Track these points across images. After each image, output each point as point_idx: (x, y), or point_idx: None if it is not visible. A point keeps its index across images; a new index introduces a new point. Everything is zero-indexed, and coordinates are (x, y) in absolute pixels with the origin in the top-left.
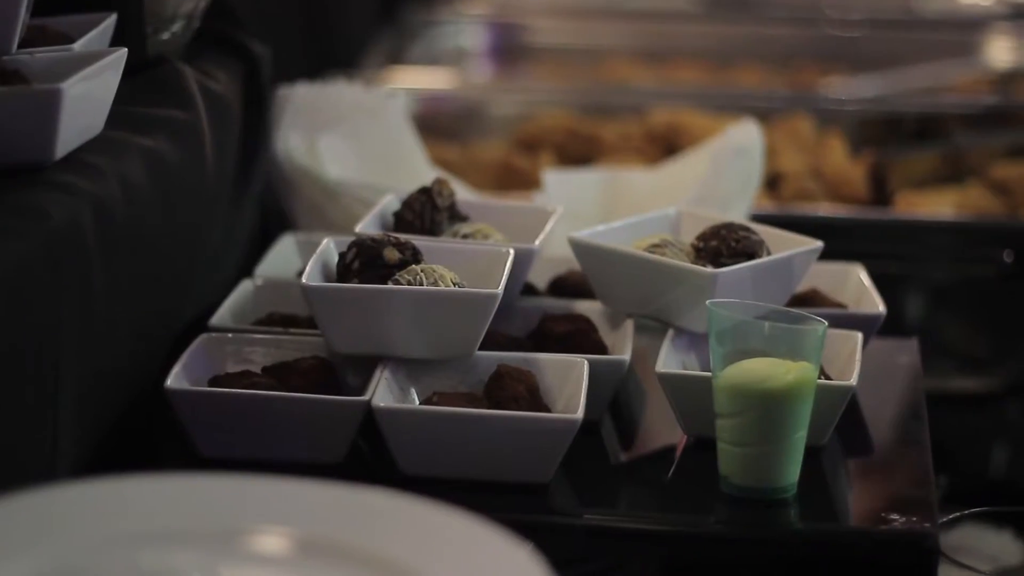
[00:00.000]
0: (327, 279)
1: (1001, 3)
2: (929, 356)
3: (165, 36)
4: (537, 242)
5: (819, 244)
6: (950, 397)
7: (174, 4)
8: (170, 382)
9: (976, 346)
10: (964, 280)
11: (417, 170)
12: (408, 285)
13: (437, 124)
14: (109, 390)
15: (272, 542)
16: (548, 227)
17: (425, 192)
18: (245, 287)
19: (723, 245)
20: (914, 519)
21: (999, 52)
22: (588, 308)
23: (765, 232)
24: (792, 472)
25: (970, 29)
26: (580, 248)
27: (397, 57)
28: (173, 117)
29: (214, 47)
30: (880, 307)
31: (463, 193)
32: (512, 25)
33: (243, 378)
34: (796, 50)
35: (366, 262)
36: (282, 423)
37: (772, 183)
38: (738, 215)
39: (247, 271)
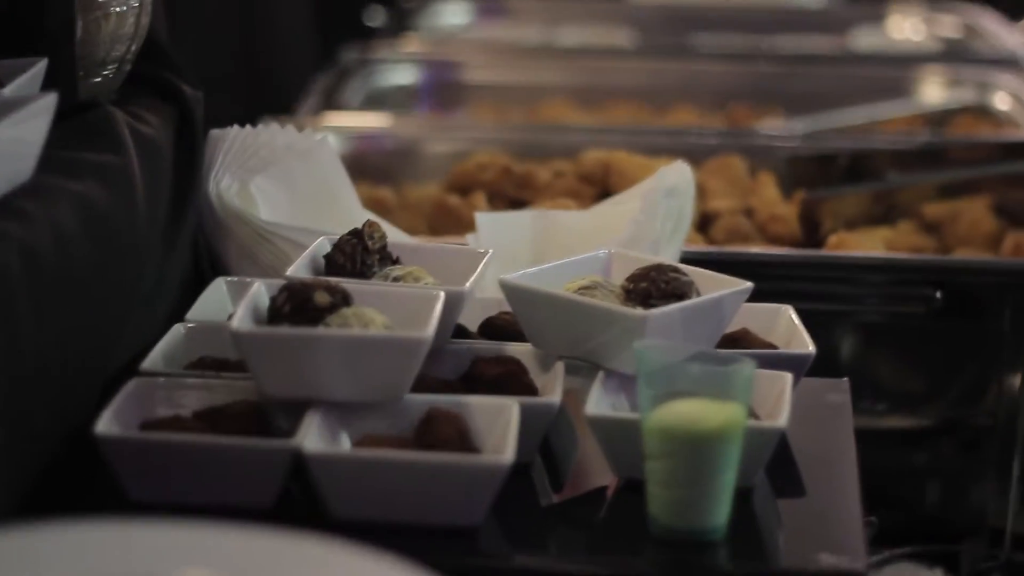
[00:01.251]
0: (258, 323)
1: (934, 41)
2: (861, 395)
3: (97, 80)
4: (468, 285)
5: (749, 285)
6: (882, 435)
7: (106, 48)
8: (99, 427)
9: (908, 384)
10: (895, 319)
11: (349, 212)
12: (338, 329)
13: (371, 165)
14: (38, 435)
15: None
16: (479, 269)
17: (356, 235)
18: (177, 331)
19: (653, 287)
20: (844, 559)
21: (931, 91)
22: (519, 350)
23: (696, 273)
24: (721, 513)
25: (902, 68)
26: (510, 291)
27: (332, 97)
28: (104, 161)
29: (146, 90)
30: (810, 347)
31: (395, 235)
32: (447, 64)
33: (173, 423)
34: (730, 89)
35: (296, 306)
36: (212, 468)
37: (704, 223)
38: (669, 256)
39: (179, 315)
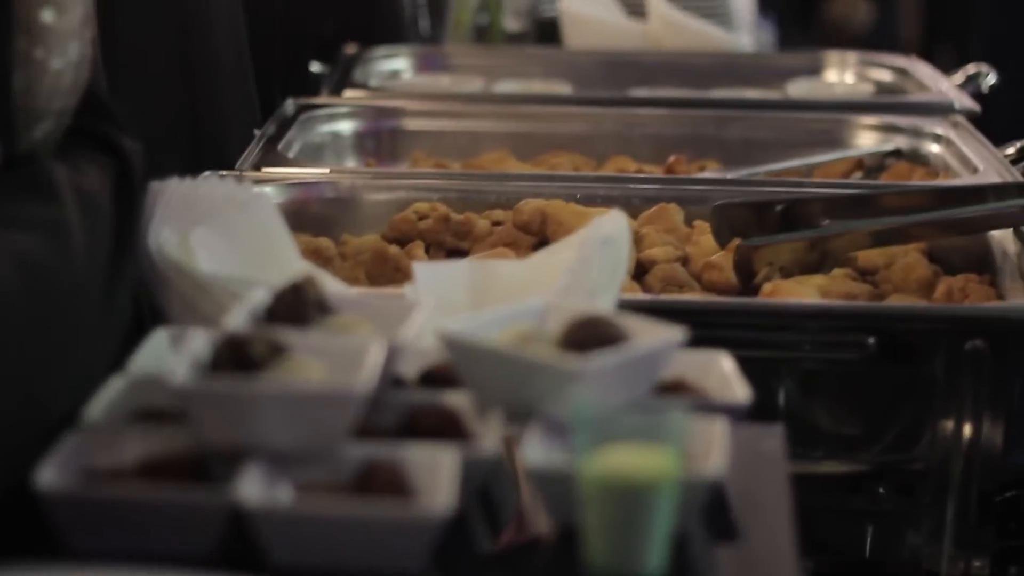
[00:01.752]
0: (197, 374)
1: (868, 90)
2: (797, 440)
3: (36, 133)
4: (405, 335)
5: (683, 333)
6: (818, 480)
7: (45, 100)
8: (38, 479)
9: (843, 429)
10: (830, 365)
11: (289, 263)
12: (276, 381)
13: (310, 215)
14: None
15: None
16: (417, 320)
17: (294, 286)
18: (117, 382)
19: (589, 336)
20: None
21: (866, 138)
22: (457, 399)
23: (631, 321)
24: (657, 560)
25: (837, 116)
26: (447, 341)
27: (272, 149)
28: (42, 215)
29: (86, 143)
30: (745, 394)
31: (334, 286)
32: (386, 114)
33: (113, 474)
34: (667, 138)
35: (235, 357)
36: (151, 518)
37: (640, 271)
38: (605, 304)
39: (120, 366)
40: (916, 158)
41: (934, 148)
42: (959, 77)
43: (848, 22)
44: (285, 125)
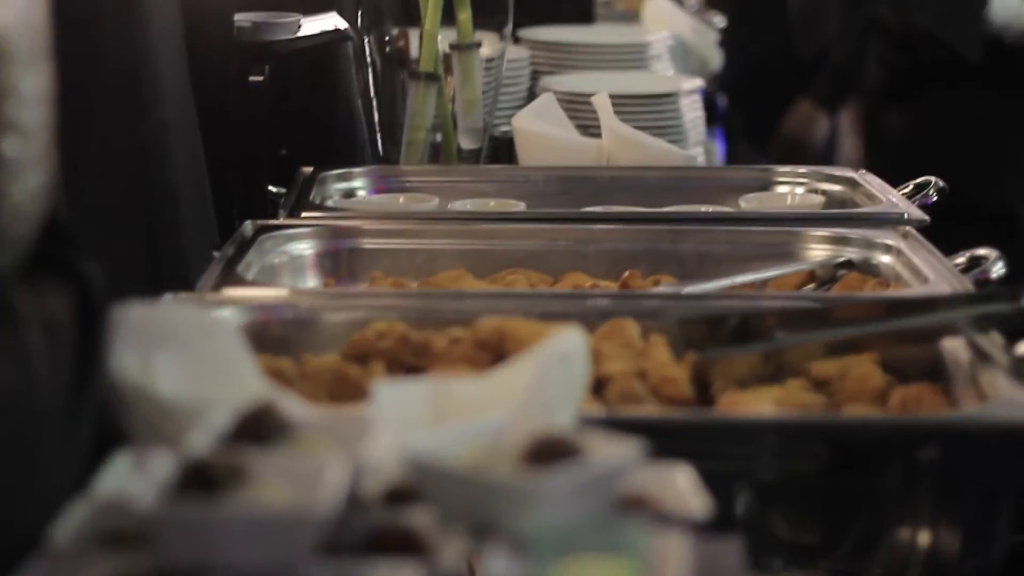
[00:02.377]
0: (159, 498)
1: (820, 202)
2: (756, 551)
3: None
4: (367, 454)
5: (642, 447)
6: None
7: (5, 227)
8: None
9: (802, 539)
10: (788, 476)
11: (250, 384)
12: (238, 503)
13: (270, 336)
14: None
15: None
16: (378, 439)
17: (256, 407)
18: (81, 506)
19: (548, 453)
20: None
21: (818, 251)
22: (418, 517)
23: (590, 437)
24: None
25: (789, 228)
26: (407, 461)
27: (231, 270)
28: (4, 343)
29: (47, 270)
30: (704, 507)
31: (295, 406)
32: (344, 234)
33: None
34: (621, 254)
35: (197, 480)
36: None
37: (598, 386)
38: (564, 420)
39: (84, 489)
40: (868, 269)
41: (885, 259)
42: (908, 188)
43: (805, 136)
44: (244, 247)
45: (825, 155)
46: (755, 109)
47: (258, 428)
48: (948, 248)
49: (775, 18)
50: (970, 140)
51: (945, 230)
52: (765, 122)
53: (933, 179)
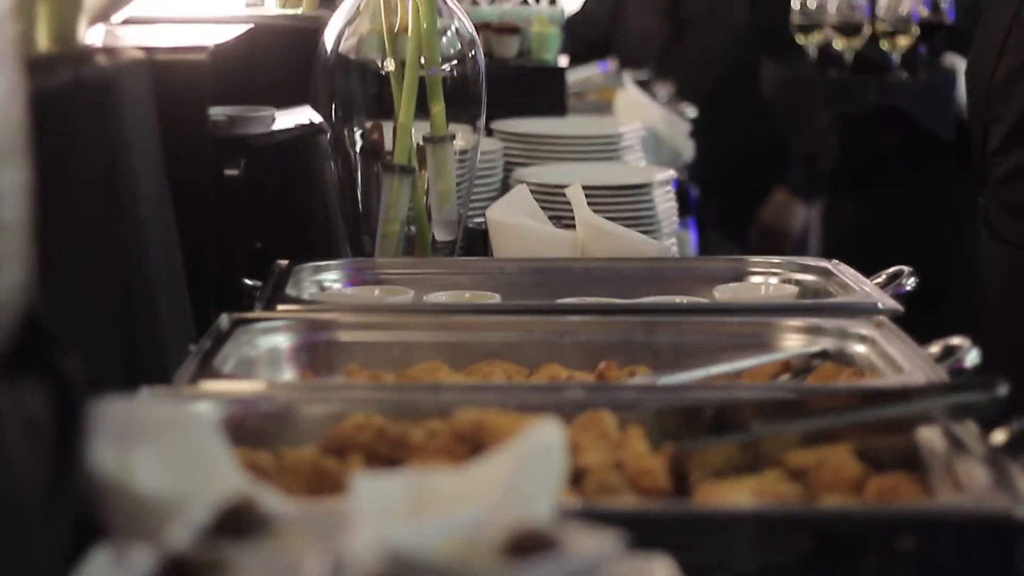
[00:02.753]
0: None
1: (793, 292)
2: None
3: None
4: (346, 548)
5: (621, 539)
6: None
7: None
8: None
9: None
10: (765, 566)
11: (228, 479)
12: None
13: (248, 429)
14: None
15: None
16: (356, 532)
17: (234, 502)
18: None
19: (526, 546)
20: None
21: (792, 341)
22: None
23: (568, 529)
24: None
25: (764, 319)
26: (386, 555)
27: (208, 363)
28: None
29: (26, 366)
30: None
31: (274, 500)
32: (320, 327)
33: None
34: (597, 345)
35: (175, 574)
36: None
37: (575, 478)
38: (543, 513)
39: None
40: (842, 359)
41: (859, 349)
42: (881, 278)
43: (782, 226)
44: (220, 340)
45: (799, 244)
46: (727, 199)
47: (237, 522)
48: (921, 332)
49: (746, 109)
50: (938, 221)
51: (919, 315)
52: (737, 212)
53: (906, 268)
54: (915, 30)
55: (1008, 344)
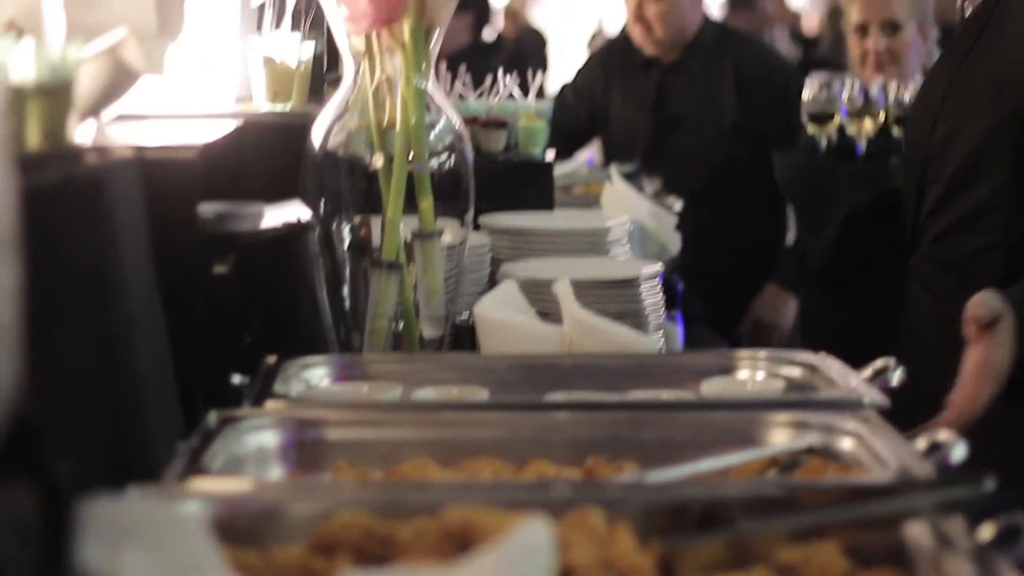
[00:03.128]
0: None
1: (780, 387)
2: None
3: None
4: None
5: None
6: None
7: None
8: None
9: None
10: None
11: None
12: None
13: (236, 528)
14: None
15: None
16: None
17: None
18: None
19: None
20: None
21: (779, 436)
22: None
23: None
24: None
25: (751, 414)
26: None
27: (197, 462)
28: None
29: (14, 466)
30: None
31: None
32: (308, 425)
33: None
34: (585, 441)
35: None
36: None
37: None
38: None
39: None
40: (829, 454)
41: (846, 444)
42: (867, 372)
43: (775, 319)
44: (208, 437)
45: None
46: (714, 292)
47: None
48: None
49: (732, 203)
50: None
51: (906, 412)
52: (724, 305)
53: (892, 362)
54: None
55: (941, 395)
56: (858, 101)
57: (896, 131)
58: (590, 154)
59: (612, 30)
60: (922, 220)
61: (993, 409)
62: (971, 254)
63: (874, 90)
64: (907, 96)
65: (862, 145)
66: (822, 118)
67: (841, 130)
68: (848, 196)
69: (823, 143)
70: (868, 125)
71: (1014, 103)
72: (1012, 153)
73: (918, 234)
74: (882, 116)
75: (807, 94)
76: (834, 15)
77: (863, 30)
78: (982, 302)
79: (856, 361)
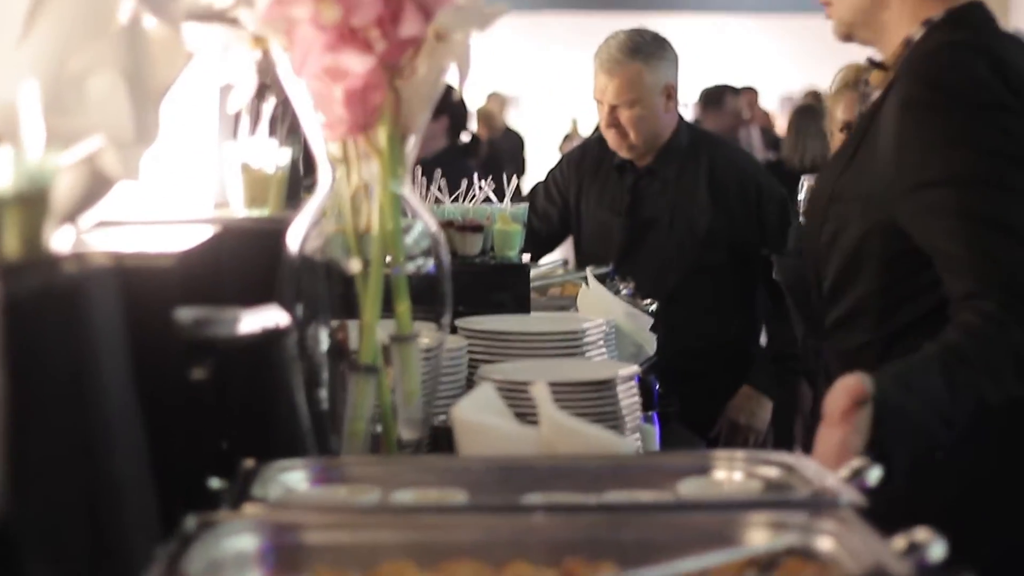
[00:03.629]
0: None
1: (757, 488)
2: None
3: None
4: None
5: None
6: None
7: None
8: None
9: None
10: None
11: None
12: None
13: None
14: None
15: None
16: None
17: None
18: None
19: None
20: None
21: (757, 536)
22: None
23: None
24: None
25: (728, 514)
26: None
27: (174, 566)
28: None
29: None
30: None
31: None
32: (287, 528)
33: None
34: (563, 542)
35: None
36: None
37: None
38: None
39: None
40: (808, 554)
41: (825, 543)
42: (844, 471)
43: (751, 422)
44: (187, 542)
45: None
46: (689, 393)
47: None
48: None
49: (705, 306)
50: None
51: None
52: (701, 406)
53: (868, 461)
54: None
55: None
56: None
57: None
58: (563, 255)
59: (585, 131)
60: (821, 310)
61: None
62: (853, 348)
63: None
64: None
65: None
66: None
67: None
68: None
69: None
70: None
71: (878, 216)
72: (878, 263)
73: (820, 322)
74: None
75: (804, 195)
76: (802, 115)
77: (851, 128)
78: (857, 384)
79: None
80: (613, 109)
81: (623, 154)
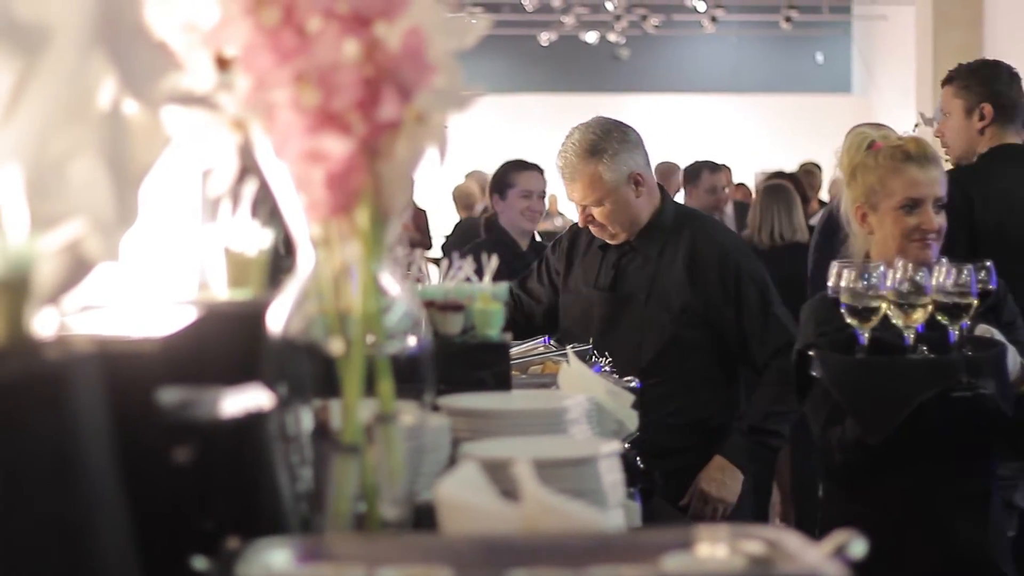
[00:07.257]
0: None
1: (740, 562)
2: None
3: None
4: None
5: None
6: None
7: None
8: None
9: None
10: None
11: None
12: None
13: None
14: None
15: None
16: None
17: None
18: None
19: None
20: None
21: None
22: None
23: None
24: None
25: None
26: None
27: None
28: None
29: None
30: None
31: None
32: None
33: None
34: None
35: None
36: None
37: None
38: None
39: None
40: None
41: None
42: (828, 546)
43: (721, 494)
44: None
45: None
46: (670, 468)
47: None
48: None
49: (686, 380)
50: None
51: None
52: (681, 481)
53: (852, 535)
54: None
55: None
56: (903, 288)
57: (941, 318)
58: (545, 335)
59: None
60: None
61: None
62: None
63: (920, 275)
64: (950, 280)
65: (910, 337)
66: (865, 313)
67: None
68: (916, 391)
69: (864, 337)
70: (919, 315)
71: None
72: None
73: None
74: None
75: (841, 282)
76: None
77: (913, 206)
78: None
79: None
80: (585, 208)
81: (608, 240)
